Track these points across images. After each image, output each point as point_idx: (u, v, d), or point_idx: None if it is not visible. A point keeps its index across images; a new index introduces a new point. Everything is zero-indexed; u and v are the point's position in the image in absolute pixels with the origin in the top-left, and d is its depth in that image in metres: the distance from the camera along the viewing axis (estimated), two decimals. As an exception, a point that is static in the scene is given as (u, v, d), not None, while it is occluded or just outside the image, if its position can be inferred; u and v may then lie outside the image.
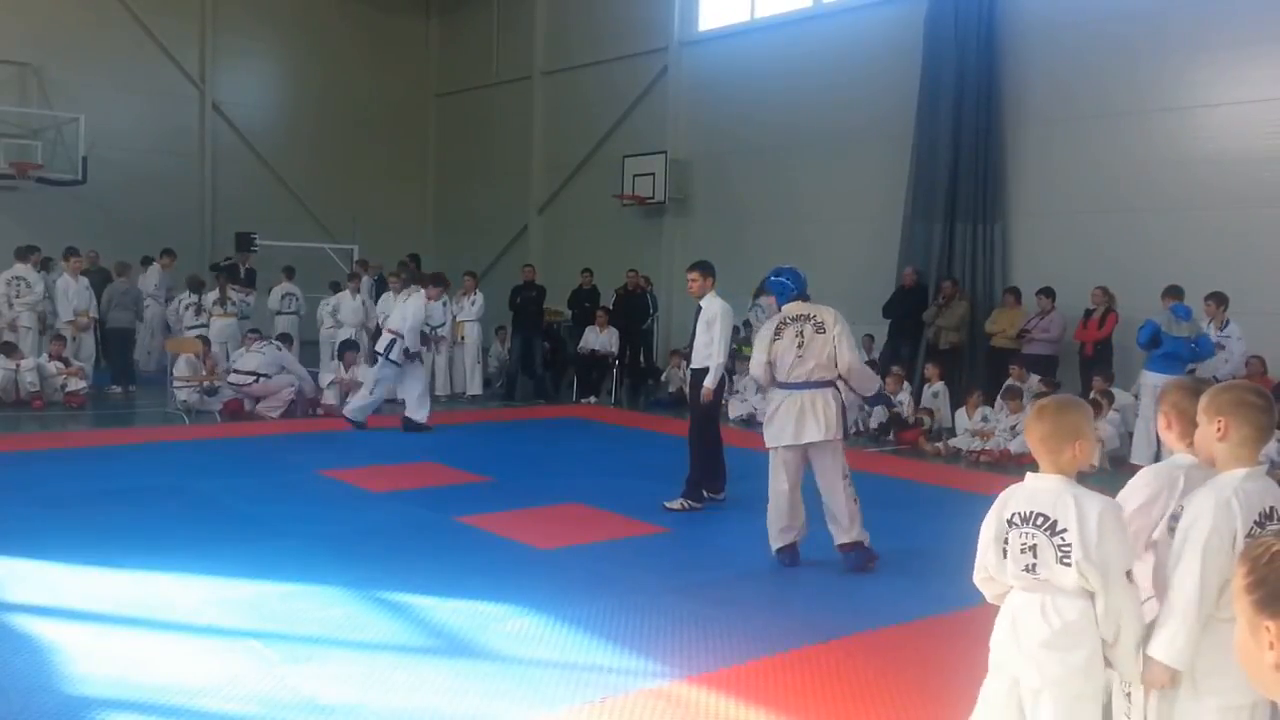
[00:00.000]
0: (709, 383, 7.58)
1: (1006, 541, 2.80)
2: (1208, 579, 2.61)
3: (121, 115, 17.66)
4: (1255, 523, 2.65)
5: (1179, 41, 11.48)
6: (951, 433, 10.95)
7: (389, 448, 10.04)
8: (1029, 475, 2.85)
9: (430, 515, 7.23)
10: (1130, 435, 10.35)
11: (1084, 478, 2.90)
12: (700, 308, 7.83)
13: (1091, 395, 10.42)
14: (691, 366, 8.02)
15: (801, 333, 6.08)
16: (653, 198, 16.70)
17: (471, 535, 6.76)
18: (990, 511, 2.86)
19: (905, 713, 4.14)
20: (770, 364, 6.15)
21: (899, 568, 6.30)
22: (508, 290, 14.79)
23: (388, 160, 21.08)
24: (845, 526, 6.11)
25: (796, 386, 6.08)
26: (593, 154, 18.42)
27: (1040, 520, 2.74)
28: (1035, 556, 2.73)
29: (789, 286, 6.30)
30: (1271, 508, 2.69)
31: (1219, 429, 2.72)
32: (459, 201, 21.51)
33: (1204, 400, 2.78)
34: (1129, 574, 2.73)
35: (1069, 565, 2.70)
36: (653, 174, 16.67)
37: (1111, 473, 9.46)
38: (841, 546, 6.13)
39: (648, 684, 4.31)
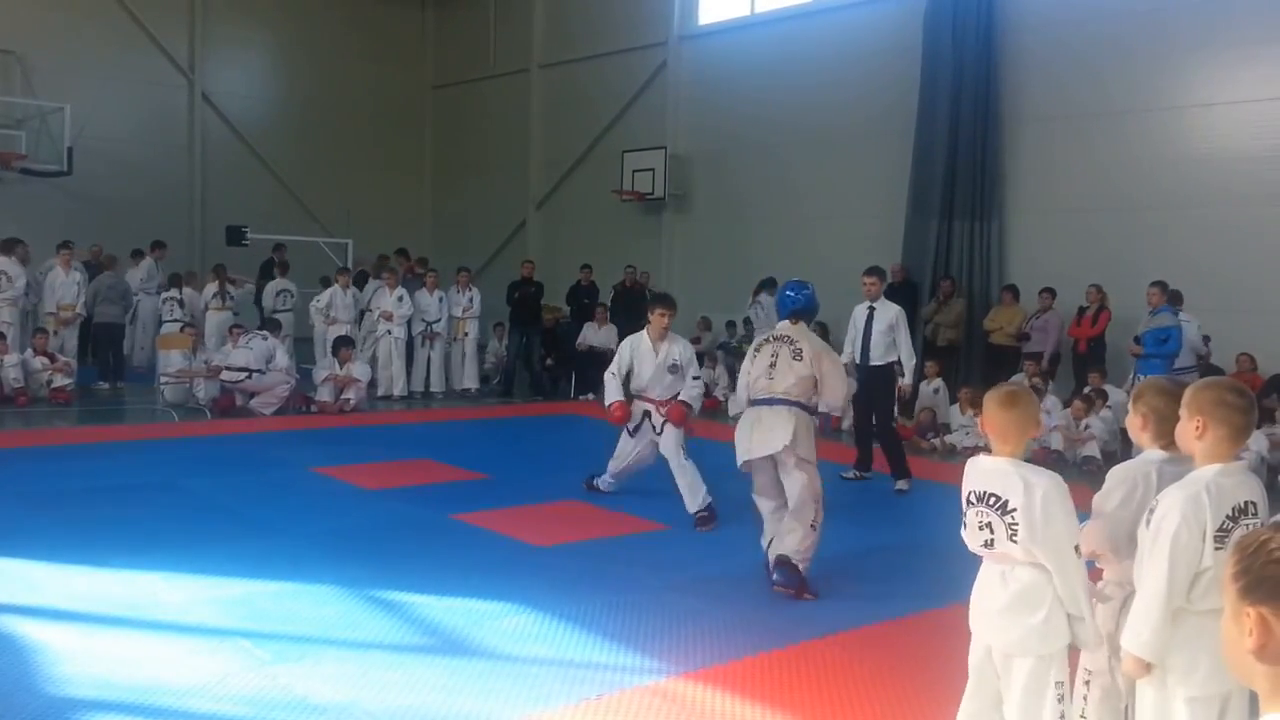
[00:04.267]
0: (910, 379, 8.86)
1: (966, 517, 3.02)
2: (1175, 571, 2.68)
3: (108, 105, 17.40)
4: (1228, 516, 2.71)
5: (1177, 41, 11.47)
6: (948, 429, 10.90)
7: (383, 445, 9.94)
8: (981, 456, 3.05)
9: (426, 513, 7.14)
10: (1123, 432, 10.39)
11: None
12: (873, 309, 8.72)
13: (1086, 391, 10.45)
14: (872, 362, 8.68)
15: (777, 354, 5.76)
16: (652, 193, 16.60)
17: (467, 533, 6.68)
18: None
19: (901, 707, 4.10)
20: (749, 386, 5.87)
21: (894, 563, 6.25)
22: (505, 286, 14.68)
23: (383, 153, 20.91)
24: (787, 541, 5.53)
25: (757, 403, 5.76)
26: (591, 149, 18.31)
27: (993, 500, 2.92)
28: (991, 533, 2.93)
29: (787, 303, 5.97)
30: (1247, 502, 2.75)
31: (1197, 427, 2.77)
32: (456, 196, 21.39)
33: (1186, 396, 2.84)
34: (1076, 549, 2.90)
35: (1016, 542, 2.89)
36: (652, 169, 16.57)
37: (1104, 466, 9.43)
38: (775, 561, 5.53)
39: (644, 681, 4.24)
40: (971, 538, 3.00)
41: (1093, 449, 9.84)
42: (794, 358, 5.72)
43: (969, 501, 2.99)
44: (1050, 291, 11.73)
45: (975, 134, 12.89)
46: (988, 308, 12.59)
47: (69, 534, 6.17)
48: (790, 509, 5.60)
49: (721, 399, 12.98)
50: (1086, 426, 10.06)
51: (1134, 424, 3.13)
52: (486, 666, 4.35)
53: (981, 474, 2.99)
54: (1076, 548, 2.90)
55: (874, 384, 8.56)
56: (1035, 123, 12.65)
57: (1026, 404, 3.02)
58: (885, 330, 8.48)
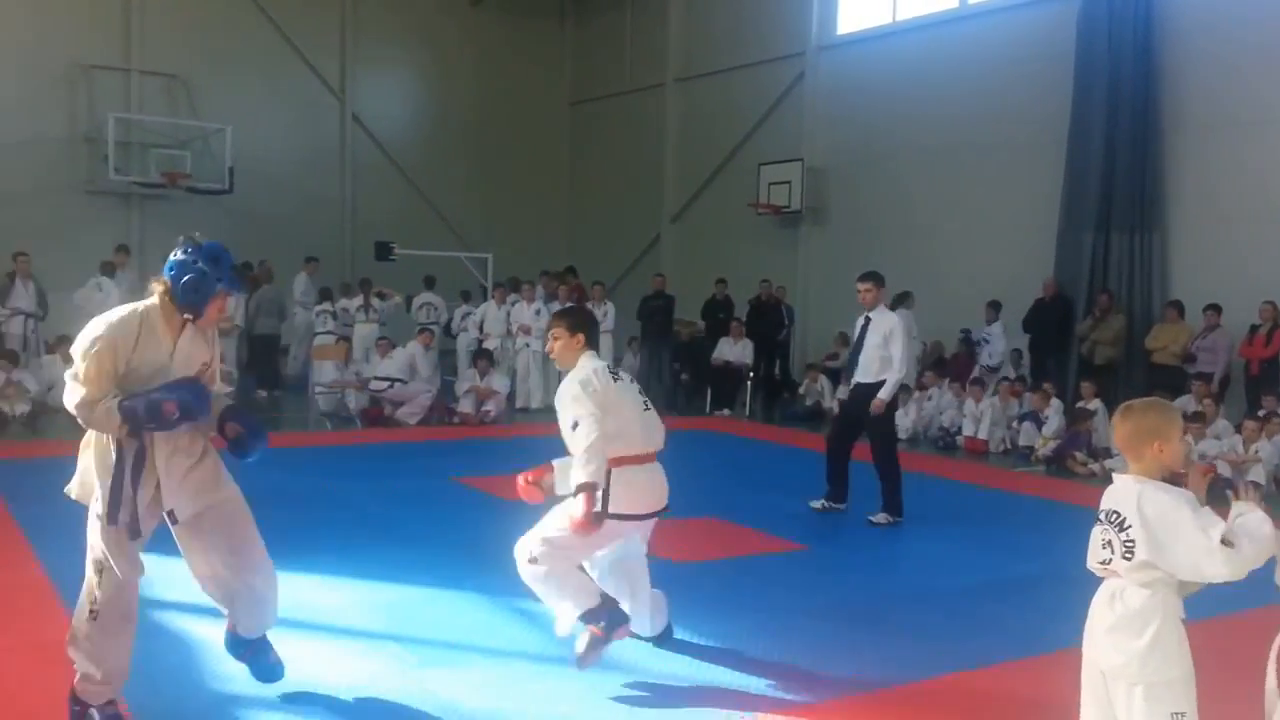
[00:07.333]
0: (884, 394, 7.40)
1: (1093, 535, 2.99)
2: None
3: (266, 126, 18.29)
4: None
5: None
6: (1109, 453, 10.35)
7: (522, 456, 10.04)
8: (1115, 475, 3.02)
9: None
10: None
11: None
12: (869, 319, 7.59)
13: (1261, 414, 9.79)
14: (860, 380, 7.63)
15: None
16: (788, 206, 16.42)
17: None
18: None
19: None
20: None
21: (1044, 593, 5.92)
22: (640, 300, 14.74)
23: (522, 169, 21.28)
24: None
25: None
26: (727, 161, 18.24)
27: (1114, 517, 2.89)
28: (1111, 552, 2.90)
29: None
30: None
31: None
32: (592, 210, 21.64)
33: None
34: (1223, 544, 2.69)
35: (1129, 560, 2.84)
36: (789, 182, 16.39)
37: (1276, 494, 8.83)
38: None
39: (785, 709, 4.13)
40: (1092, 556, 2.99)
41: (1258, 473, 9.20)
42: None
43: (1097, 519, 2.97)
44: (1215, 309, 11.07)
45: (1134, 143, 12.29)
46: (1149, 324, 11.97)
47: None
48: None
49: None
50: (1256, 450, 9.42)
51: None
52: (625, 679, 4.33)
53: (1110, 492, 2.96)
54: (1224, 540, 2.71)
55: (865, 405, 7.50)
56: (1197, 131, 11.96)
57: (1140, 415, 2.94)
58: (880, 343, 7.46)
